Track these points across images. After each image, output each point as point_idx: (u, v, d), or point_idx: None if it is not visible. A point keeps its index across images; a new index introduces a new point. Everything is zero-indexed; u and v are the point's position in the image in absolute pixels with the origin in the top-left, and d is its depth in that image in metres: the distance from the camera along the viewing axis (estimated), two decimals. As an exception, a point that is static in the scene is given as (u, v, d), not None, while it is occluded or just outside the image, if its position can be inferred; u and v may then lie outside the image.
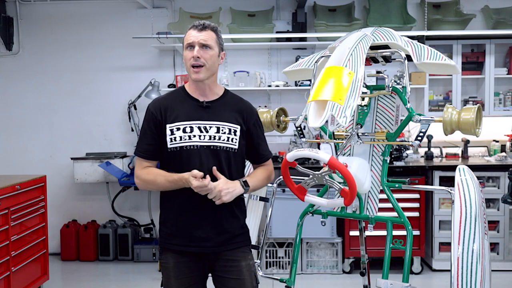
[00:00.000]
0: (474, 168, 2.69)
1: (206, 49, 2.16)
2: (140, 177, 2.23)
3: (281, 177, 2.64)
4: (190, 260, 2.22)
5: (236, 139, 2.23)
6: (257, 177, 2.29)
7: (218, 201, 2.11)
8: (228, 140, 2.21)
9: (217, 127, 2.20)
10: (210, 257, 2.23)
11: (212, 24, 2.20)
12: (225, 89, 2.32)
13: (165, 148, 2.20)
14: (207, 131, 2.19)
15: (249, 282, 2.25)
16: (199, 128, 2.19)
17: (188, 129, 2.18)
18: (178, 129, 2.18)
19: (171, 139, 2.18)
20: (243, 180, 2.21)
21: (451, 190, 2.31)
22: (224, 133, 2.20)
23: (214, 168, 2.14)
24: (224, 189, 2.11)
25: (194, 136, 2.18)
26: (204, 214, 2.18)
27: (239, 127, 2.24)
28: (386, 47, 2.41)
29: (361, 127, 2.57)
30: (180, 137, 2.17)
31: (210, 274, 2.31)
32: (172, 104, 2.23)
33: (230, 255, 2.24)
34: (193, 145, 2.17)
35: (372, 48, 2.39)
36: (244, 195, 2.29)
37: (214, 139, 2.19)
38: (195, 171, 2.08)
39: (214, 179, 2.15)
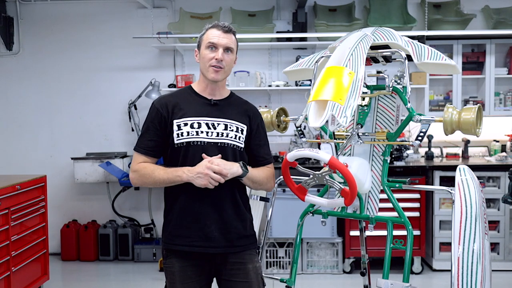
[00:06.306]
0: (474, 168, 2.69)
1: (228, 52, 2.18)
2: (137, 171, 2.18)
3: (281, 177, 2.64)
4: (196, 263, 2.19)
5: (243, 138, 2.22)
6: (257, 170, 2.25)
7: (224, 174, 2.06)
8: (235, 138, 2.20)
9: (225, 124, 2.19)
10: (216, 259, 2.20)
11: (233, 27, 2.22)
12: (231, 91, 2.33)
13: (171, 144, 2.17)
14: (215, 128, 2.17)
15: (256, 284, 2.22)
16: (207, 124, 2.17)
17: (195, 125, 2.16)
18: (186, 124, 2.16)
19: (178, 134, 2.16)
20: (242, 162, 2.17)
21: (451, 190, 2.31)
22: (232, 130, 2.19)
23: (204, 155, 2.11)
24: (221, 164, 2.07)
25: (202, 132, 2.16)
26: (208, 212, 2.15)
27: (246, 126, 2.24)
28: (386, 47, 2.41)
29: (362, 127, 2.57)
30: (188, 132, 2.15)
31: (214, 278, 2.27)
32: (179, 101, 2.21)
33: (237, 257, 2.20)
34: (200, 141, 2.15)
35: (373, 48, 2.39)
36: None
37: (222, 136, 2.17)
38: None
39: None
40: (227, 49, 2.18)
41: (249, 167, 2.19)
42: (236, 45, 2.23)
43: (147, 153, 2.20)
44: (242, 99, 2.34)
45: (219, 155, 2.12)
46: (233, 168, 2.11)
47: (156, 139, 2.19)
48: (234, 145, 2.19)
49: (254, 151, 2.28)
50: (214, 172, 2.05)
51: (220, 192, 2.13)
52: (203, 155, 2.11)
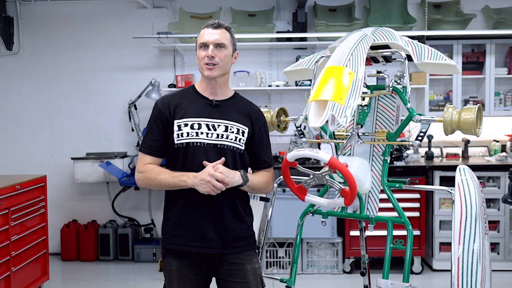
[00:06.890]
0: (474, 168, 2.69)
1: (220, 48, 2.16)
2: (143, 172, 2.18)
3: (281, 177, 2.64)
4: (194, 262, 2.19)
5: (243, 140, 2.20)
6: (257, 177, 2.25)
7: (226, 183, 2.07)
8: (235, 140, 2.18)
9: (225, 125, 2.18)
10: (214, 259, 2.19)
11: (225, 24, 2.21)
12: (235, 92, 2.31)
13: (172, 144, 2.17)
14: (215, 129, 2.17)
15: (254, 285, 2.21)
16: (207, 125, 2.16)
17: (196, 126, 2.16)
18: (186, 125, 2.15)
19: (178, 134, 2.15)
20: (243, 171, 2.17)
21: (451, 190, 2.31)
22: (232, 132, 2.18)
23: (205, 162, 2.11)
24: (225, 172, 2.08)
25: (202, 133, 2.15)
26: (206, 213, 2.15)
27: (247, 128, 2.22)
28: (386, 47, 2.41)
29: (362, 127, 2.57)
30: (188, 133, 2.15)
31: (214, 278, 2.27)
32: (181, 101, 2.21)
33: (235, 258, 2.20)
34: (200, 142, 2.15)
35: (373, 48, 2.39)
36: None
37: (222, 137, 2.16)
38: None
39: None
40: (218, 45, 2.16)
41: (249, 175, 2.19)
42: (229, 40, 2.20)
43: (151, 153, 2.20)
44: (246, 100, 2.32)
45: (223, 159, 2.12)
46: (235, 178, 2.11)
47: (160, 139, 2.19)
48: (233, 147, 2.18)
49: (256, 154, 2.28)
50: (217, 180, 2.06)
51: (219, 195, 2.11)
52: (204, 162, 2.11)
